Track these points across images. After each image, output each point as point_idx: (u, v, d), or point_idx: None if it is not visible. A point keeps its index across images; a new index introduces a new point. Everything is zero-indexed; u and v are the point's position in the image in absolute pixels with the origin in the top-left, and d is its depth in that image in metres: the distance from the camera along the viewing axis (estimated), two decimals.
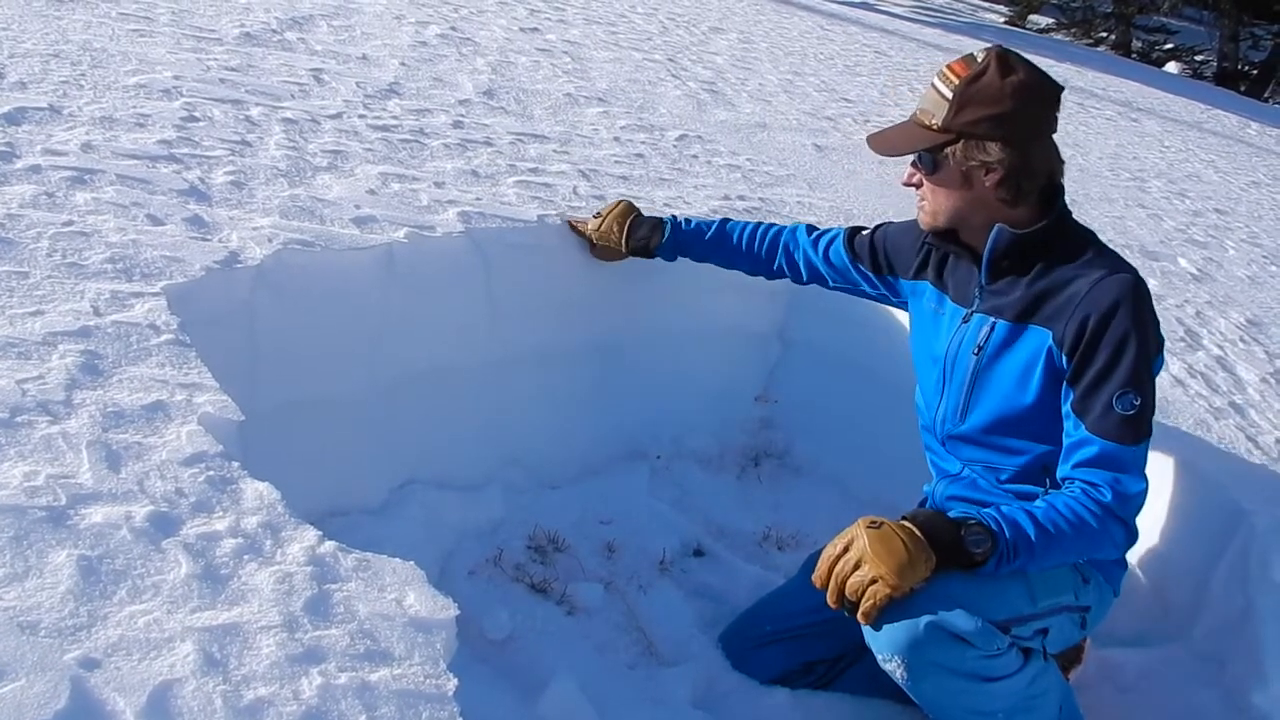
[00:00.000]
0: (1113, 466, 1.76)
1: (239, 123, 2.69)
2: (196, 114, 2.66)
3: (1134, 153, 6.62)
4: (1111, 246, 1.96)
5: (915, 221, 2.15)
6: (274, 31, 3.64)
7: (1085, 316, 1.79)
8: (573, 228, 2.59)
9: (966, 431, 2.00)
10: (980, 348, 1.94)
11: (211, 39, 3.34)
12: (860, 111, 5.26)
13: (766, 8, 8.29)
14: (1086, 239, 1.92)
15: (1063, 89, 1.88)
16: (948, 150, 1.85)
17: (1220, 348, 3.37)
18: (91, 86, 2.65)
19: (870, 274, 2.27)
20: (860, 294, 2.35)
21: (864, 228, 2.31)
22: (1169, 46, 18.54)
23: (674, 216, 2.50)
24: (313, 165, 2.55)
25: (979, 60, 1.84)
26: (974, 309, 1.97)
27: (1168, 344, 3.23)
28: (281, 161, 2.51)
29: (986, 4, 17.98)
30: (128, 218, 2.05)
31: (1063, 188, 1.92)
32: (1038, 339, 1.86)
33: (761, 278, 2.50)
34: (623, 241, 2.49)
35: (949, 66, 1.87)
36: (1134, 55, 17.16)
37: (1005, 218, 1.88)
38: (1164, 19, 18.90)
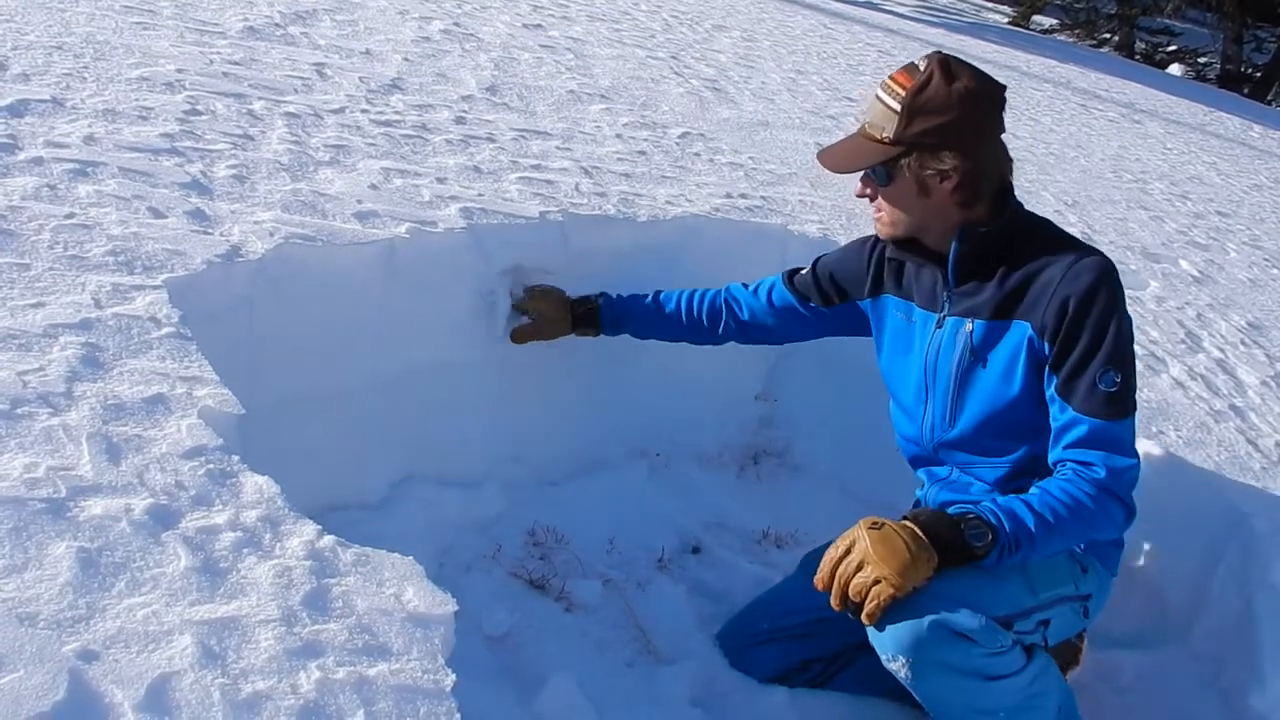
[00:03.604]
0: (1103, 445, 1.77)
1: (241, 116, 2.69)
2: (199, 107, 2.66)
3: (1136, 154, 6.61)
4: (1084, 237, 1.96)
5: (851, 245, 2.20)
6: (277, 25, 3.63)
7: (1065, 299, 1.80)
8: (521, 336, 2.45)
9: (957, 436, 2.00)
10: (962, 350, 1.94)
11: (215, 32, 3.34)
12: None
13: (770, 6, 8.28)
14: (1046, 229, 1.95)
15: (1005, 88, 1.89)
16: (902, 163, 1.86)
17: (1221, 350, 3.36)
18: (94, 79, 2.65)
19: (821, 308, 2.25)
20: (808, 335, 2.33)
21: (800, 268, 2.30)
22: (1172, 48, 18.54)
23: (605, 293, 2.42)
24: (315, 160, 2.55)
25: (921, 69, 1.84)
26: (945, 313, 1.97)
27: (1168, 346, 3.23)
28: (284, 156, 2.51)
29: (990, 4, 17.96)
30: (129, 210, 2.05)
31: (1011, 184, 1.94)
32: (1019, 332, 1.87)
33: (709, 345, 2.45)
34: (569, 317, 2.40)
35: (892, 78, 1.87)
36: (1137, 57, 17.15)
37: (965, 220, 1.89)
38: (1167, 21, 18.89)
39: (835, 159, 1.97)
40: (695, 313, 2.37)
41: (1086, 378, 1.78)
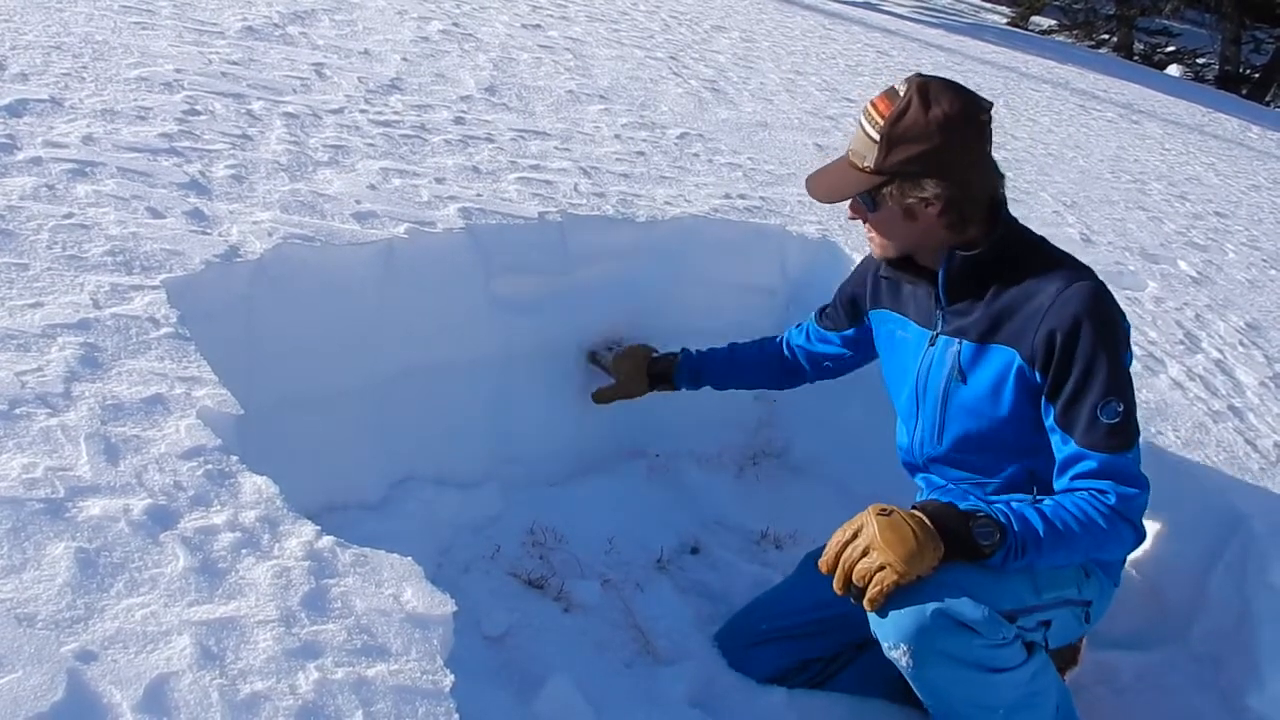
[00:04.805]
0: (1112, 476, 1.77)
1: (240, 116, 2.69)
2: (198, 107, 2.66)
3: (1135, 155, 6.62)
4: (1069, 250, 1.95)
5: (860, 263, 2.23)
6: (276, 25, 3.63)
7: (1051, 332, 1.78)
8: (595, 362, 2.62)
9: (945, 453, 2.01)
10: (950, 370, 1.94)
11: (213, 32, 3.34)
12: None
13: (769, 7, 8.28)
14: (1037, 247, 1.92)
15: (991, 105, 1.85)
16: (884, 191, 1.85)
17: (1219, 351, 3.36)
18: (93, 79, 2.64)
19: (854, 332, 2.30)
20: (861, 360, 2.37)
21: (828, 304, 2.36)
22: (1171, 49, 18.56)
23: (685, 349, 2.54)
24: (314, 160, 2.55)
25: (900, 94, 1.81)
26: (939, 331, 1.97)
27: (1167, 346, 3.23)
28: (282, 156, 2.51)
29: (989, 5, 17.97)
30: (128, 210, 2.05)
31: (1004, 199, 1.92)
32: (1004, 358, 1.86)
33: (784, 389, 2.57)
34: (645, 375, 2.53)
35: (872, 104, 1.85)
36: (1136, 57, 17.18)
37: (955, 241, 1.88)
38: (1166, 21, 18.92)
39: (821, 188, 1.96)
40: (768, 359, 2.47)
41: (1086, 411, 1.77)
